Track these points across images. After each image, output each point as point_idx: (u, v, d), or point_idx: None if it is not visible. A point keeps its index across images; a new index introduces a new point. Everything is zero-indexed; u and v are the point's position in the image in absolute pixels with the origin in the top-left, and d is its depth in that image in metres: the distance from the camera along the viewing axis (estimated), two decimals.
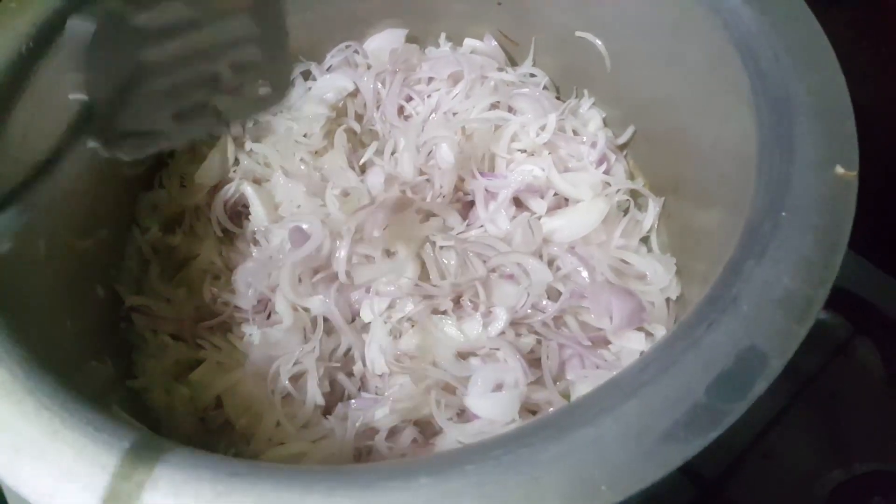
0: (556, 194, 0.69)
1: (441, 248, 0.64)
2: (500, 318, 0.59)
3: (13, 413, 0.38)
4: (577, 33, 0.72)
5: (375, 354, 0.59)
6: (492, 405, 0.55)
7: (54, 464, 0.36)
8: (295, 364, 0.58)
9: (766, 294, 0.38)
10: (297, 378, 0.59)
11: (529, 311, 0.60)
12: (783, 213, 0.41)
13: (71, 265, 0.59)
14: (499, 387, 0.56)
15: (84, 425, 0.38)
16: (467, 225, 0.67)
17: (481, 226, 0.67)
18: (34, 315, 0.49)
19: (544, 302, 0.61)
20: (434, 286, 0.61)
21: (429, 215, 0.67)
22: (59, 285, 0.56)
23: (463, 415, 0.57)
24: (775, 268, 0.39)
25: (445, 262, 0.63)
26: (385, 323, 0.60)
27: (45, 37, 0.57)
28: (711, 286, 0.40)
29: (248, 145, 0.74)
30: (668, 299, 0.62)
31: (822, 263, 0.39)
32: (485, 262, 0.63)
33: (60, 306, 0.56)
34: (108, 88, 0.39)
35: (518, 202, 0.69)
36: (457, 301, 0.62)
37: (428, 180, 0.71)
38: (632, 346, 0.59)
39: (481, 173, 0.69)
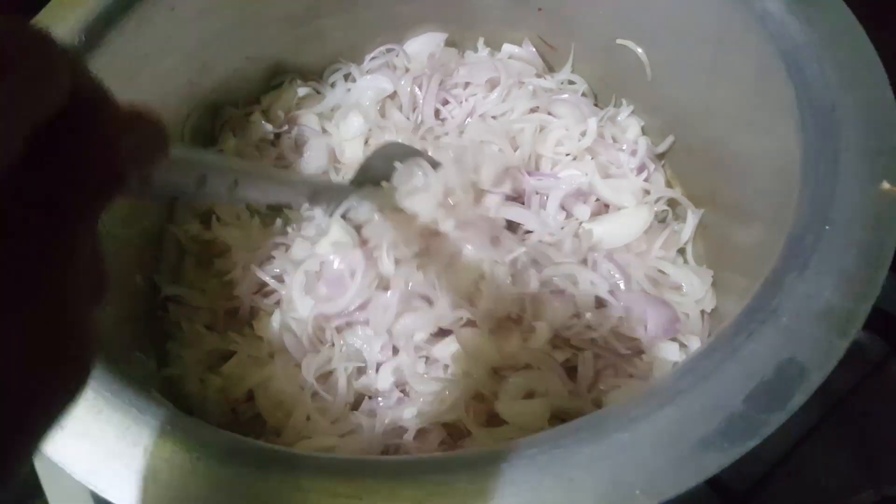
0: (596, 200, 0.69)
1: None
2: (542, 336, 0.58)
3: None
4: (618, 41, 0.72)
5: (404, 364, 0.59)
6: (522, 412, 0.55)
7: (97, 442, 0.37)
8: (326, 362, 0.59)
9: (807, 307, 0.38)
10: (327, 375, 0.59)
11: (574, 321, 0.60)
12: (826, 227, 0.41)
13: (112, 253, 0.61)
14: (530, 395, 0.56)
15: (127, 406, 0.39)
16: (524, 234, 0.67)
17: (527, 232, 0.67)
18: None
19: (588, 314, 0.61)
20: (473, 309, 0.60)
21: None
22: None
23: (492, 419, 0.56)
24: (817, 281, 0.39)
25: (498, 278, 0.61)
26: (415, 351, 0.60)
27: (97, 31, 0.59)
28: (752, 297, 0.40)
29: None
30: (702, 311, 0.61)
31: (864, 278, 0.39)
32: (539, 272, 0.62)
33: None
34: None
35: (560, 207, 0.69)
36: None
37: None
38: (665, 356, 0.58)
39: (528, 172, 0.70)
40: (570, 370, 0.59)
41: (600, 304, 0.62)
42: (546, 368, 0.57)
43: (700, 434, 0.34)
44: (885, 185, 0.41)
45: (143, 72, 0.63)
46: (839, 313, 0.38)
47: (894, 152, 0.43)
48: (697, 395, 0.36)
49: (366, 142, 0.77)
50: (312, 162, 0.78)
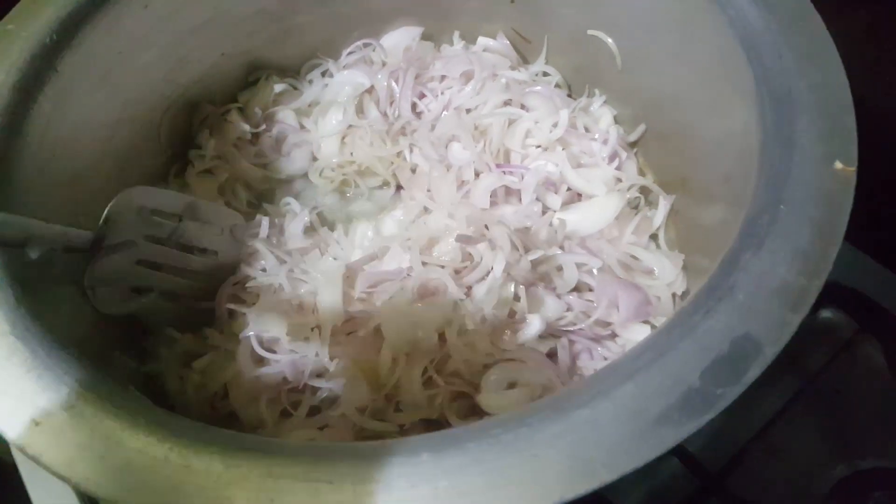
0: (568, 189, 0.70)
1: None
2: (533, 330, 0.58)
3: (33, 388, 0.40)
4: (589, 31, 0.73)
5: None
6: (504, 403, 0.55)
7: (72, 436, 0.38)
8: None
9: (762, 284, 0.39)
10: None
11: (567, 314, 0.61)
12: (781, 206, 0.42)
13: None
14: (512, 385, 0.57)
15: (101, 401, 0.39)
16: None
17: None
18: (57, 299, 0.51)
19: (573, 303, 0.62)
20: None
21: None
22: (79, 272, 0.58)
23: (474, 412, 0.57)
24: (772, 259, 0.40)
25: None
26: None
27: (69, 29, 0.59)
28: (710, 276, 0.41)
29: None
30: (674, 294, 0.63)
31: (818, 255, 0.40)
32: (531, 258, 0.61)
33: (80, 291, 0.57)
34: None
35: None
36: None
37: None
38: (638, 338, 0.59)
39: (497, 164, 0.70)
40: (549, 357, 0.59)
41: (576, 289, 0.63)
42: (529, 360, 0.57)
43: (658, 409, 0.35)
44: (838, 165, 0.43)
45: (118, 69, 0.64)
46: (793, 289, 0.39)
47: (847, 133, 0.44)
48: (655, 372, 0.37)
49: (342, 139, 0.78)
50: (295, 162, 0.79)
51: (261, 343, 0.59)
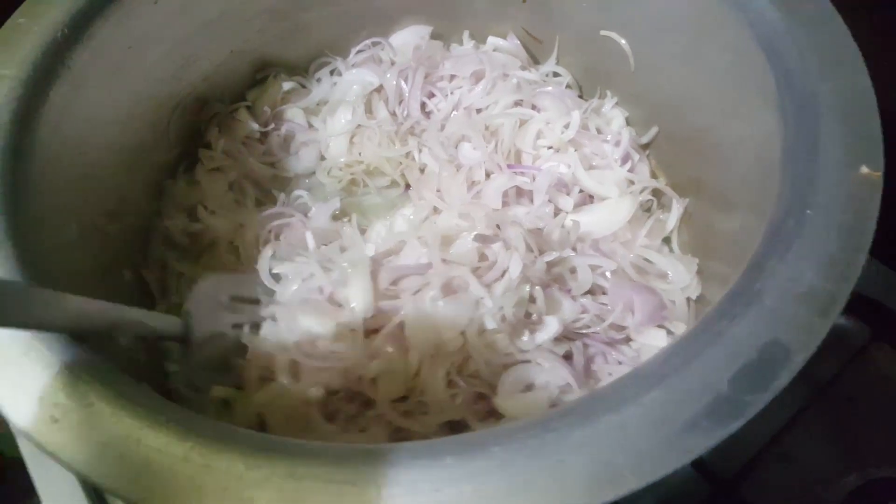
0: (580, 191, 0.70)
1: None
2: (550, 331, 0.57)
3: (51, 385, 0.39)
4: (602, 32, 0.72)
5: None
6: (521, 405, 0.55)
7: (90, 434, 0.37)
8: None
9: (789, 289, 0.39)
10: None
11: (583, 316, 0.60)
12: (808, 211, 0.41)
13: (100, 248, 0.61)
14: (528, 387, 0.56)
15: (120, 398, 0.39)
16: None
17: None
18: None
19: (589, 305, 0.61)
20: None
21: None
22: (88, 267, 0.58)
23: (491, 414, 0.56)
24: (799, 264, 0.39)
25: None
26: None
27: (80, 24, 0.59)
28: (736, 282, 0.40)
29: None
30: (688, 299, 0.62)
31: (845, 260, 0.39)
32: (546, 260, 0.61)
33: (90, 288, 0.56)
34: None
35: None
36: None
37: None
38: (653, 342, 0.59)
39: (508, 165, 0.70)
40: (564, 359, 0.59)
41: (590, 292, 0.63)
42: (546, 362, 0.56)
43: (686, 416, 0.35)
44: (864, 170, 0.42)
45: (128, 65, 0.63)
46: (821, 295, 0.38)
47: (872, 137, 0.44)
48: (683, 378, 0.36)
49: (351, 138, 0.78)
50: (303, 161, 0.79)
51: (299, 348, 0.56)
